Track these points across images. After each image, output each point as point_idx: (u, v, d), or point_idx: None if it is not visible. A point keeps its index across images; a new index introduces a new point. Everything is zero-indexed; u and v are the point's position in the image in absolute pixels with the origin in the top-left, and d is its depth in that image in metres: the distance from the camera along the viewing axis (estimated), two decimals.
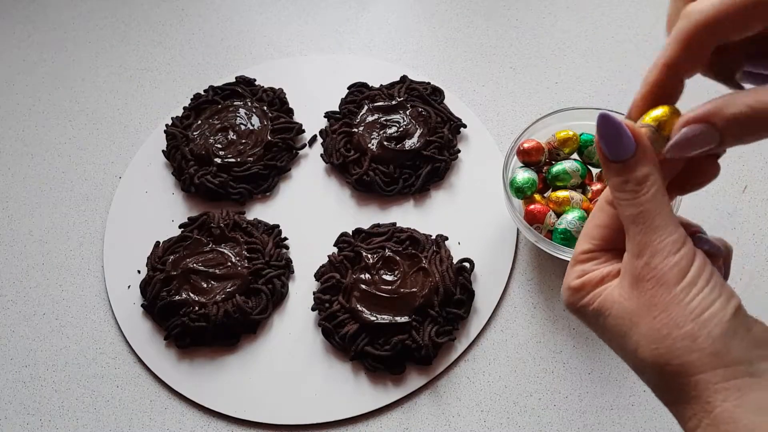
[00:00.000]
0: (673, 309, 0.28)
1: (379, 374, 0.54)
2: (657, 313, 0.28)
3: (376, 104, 0.66)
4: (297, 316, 0.58)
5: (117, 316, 0.59)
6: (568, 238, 0.53)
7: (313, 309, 0.57)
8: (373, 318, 0.54)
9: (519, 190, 0.56)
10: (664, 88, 0.31)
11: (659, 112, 0.30)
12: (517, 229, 0.60)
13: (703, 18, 0.29)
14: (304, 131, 0.67)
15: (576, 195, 0.55)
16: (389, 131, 0.64)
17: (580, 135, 0.58)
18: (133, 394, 0.56)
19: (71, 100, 0.74)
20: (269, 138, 0.65)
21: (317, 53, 0.75)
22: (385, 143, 0.63)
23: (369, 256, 0.57)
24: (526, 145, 0.56)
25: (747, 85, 0.31)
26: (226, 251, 0.59)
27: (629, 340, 0.29)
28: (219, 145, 0.65)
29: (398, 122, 0.64)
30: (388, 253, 0.57)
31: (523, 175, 0.56)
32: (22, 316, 0.60)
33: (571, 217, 0.53)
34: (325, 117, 0.67)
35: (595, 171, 0.59)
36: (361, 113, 0.65)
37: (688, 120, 0.29)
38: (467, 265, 0.58)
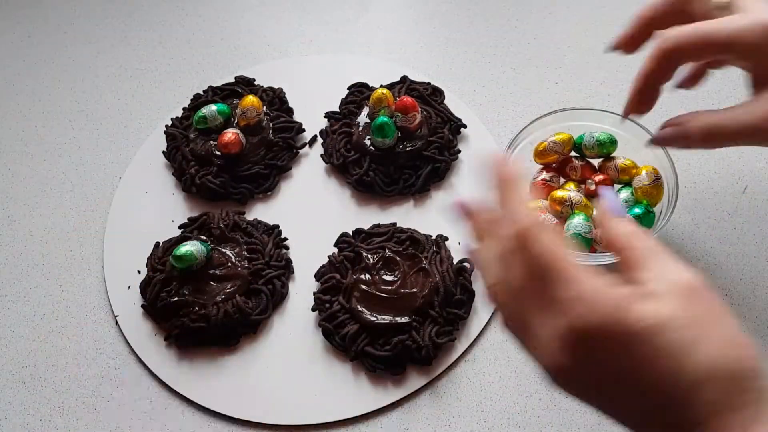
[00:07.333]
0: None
1: (380, 374, 0.54)
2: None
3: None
4: (297, 317, 0.58)
5: (117, 317, 0.59)
6: (581, 242, 0.52)
7: (313, 309, 0.57)
8: (373, 318, 0.54)
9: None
10: (646, 94, 0.43)
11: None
12: None
13: (672, 43, 0.40)
14: (304, 130, 0.67)
15: (575, 196, 0.55)
16: None
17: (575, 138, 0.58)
18: (133, 394, 0.56)
19: (71, 100, 0.74)
20: (270, 137, 0.65)
21: (317, 53, 0.75)
22: None
23: (369, 256, 0.57)
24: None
25: None
26: (226, 252, 0.59)
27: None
28: None
29: None
30: (388, 253, 0.57)
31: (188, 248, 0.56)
32: (22, 316, 0.60)
33: (577, 221, 0.53)
34: (325, 117, 0.67)
35: (595, 162, 0.59)
36: (361, 113, 0.65)
37: (668, 123, 0.42)
38: (467, 265, 0.58)
